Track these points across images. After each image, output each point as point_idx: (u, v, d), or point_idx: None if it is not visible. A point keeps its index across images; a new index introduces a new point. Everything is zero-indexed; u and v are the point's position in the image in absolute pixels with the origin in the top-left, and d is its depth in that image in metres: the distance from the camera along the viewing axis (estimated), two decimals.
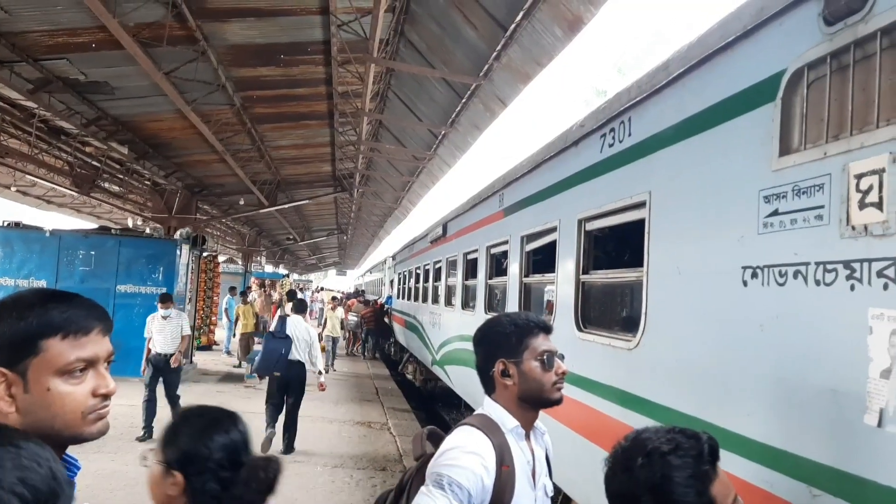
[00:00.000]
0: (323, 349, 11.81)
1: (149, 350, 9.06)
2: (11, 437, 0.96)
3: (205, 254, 16.88)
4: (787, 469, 2.33)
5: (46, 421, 1.25)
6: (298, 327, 8.76)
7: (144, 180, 16.76)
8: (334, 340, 17.25)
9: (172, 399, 8.96)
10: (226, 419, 1.73)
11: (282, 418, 8.51)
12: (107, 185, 16.71)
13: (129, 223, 21.61)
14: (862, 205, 2.06)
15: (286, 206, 20.84)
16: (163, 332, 9.03)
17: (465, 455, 1.80)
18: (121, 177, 15.91)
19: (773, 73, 2.57)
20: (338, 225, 32.58)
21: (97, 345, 1.32)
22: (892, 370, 1.92)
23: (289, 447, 8.38)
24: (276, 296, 29.14)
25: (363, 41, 8.93)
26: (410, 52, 10.83)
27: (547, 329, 2.05)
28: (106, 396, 1.33)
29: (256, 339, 17.31)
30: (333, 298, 20.06)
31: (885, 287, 1.97)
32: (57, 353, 1.26)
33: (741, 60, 2.84)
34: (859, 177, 2.08)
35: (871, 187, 2.03)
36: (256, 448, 1.86)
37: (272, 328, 8.90)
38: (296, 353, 8.54)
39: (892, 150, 1.97)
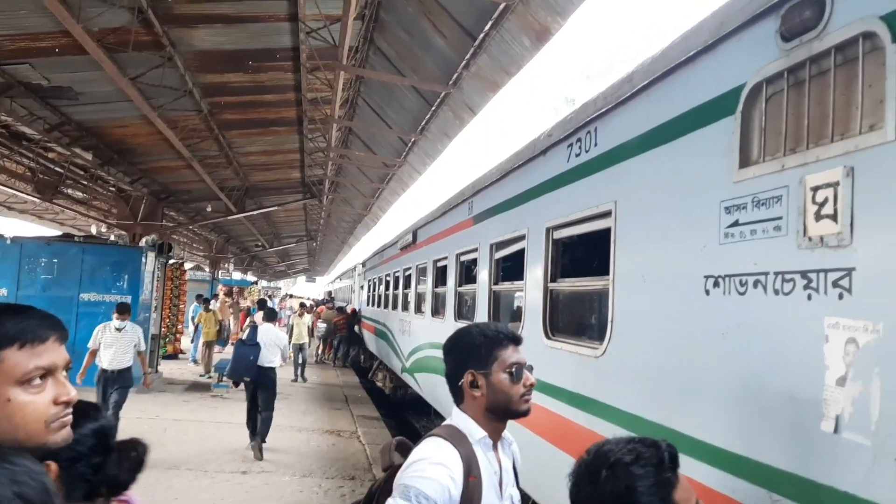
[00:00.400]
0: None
1: (89, 361, 8.22)
2: (4, 454, 1.01)
3: (171, 261, 16.62)
4: (748, 475, 2.37)
5: (9, 432, 1.24)
6: (268, 334, 9.16)
7: (109, 186, 16.46)
8: (300, 347, 16.83)
9: (115, 417, 8.04)
10: (92, 409, 1.82)
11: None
12: (70, 191, 16.39)
13: (93, 230, 21.18)
14: (818, 216, 2.12)
15: (254, 212, 20.65)
16: (114, 345, 8.19)
17: (432, 466, 1.80)
18: (85, 183, 15.61)
19: (733, 86, 2.63)
20: (307, 231, 32.36)
21: (54, 353, 1.33)
22: (847, 378, 1.97)
23: (259, 450, 8.49)
24: (244, 303, 28.90)
25: (332, 48, 8.91)
26: (380, 59, 10.84)
27: (517, 340, 2.06)
28: (67, 404, 1.33)
29: (217, 348, 17.17)
30: (301, 305, 19.90)
31: (840, 297, 2.02)
32: (14, 363, 1.26)
33: (703, 74, 2.90)
34: (815, 189, 2.14)
35: (826, 200, 2.09)
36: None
37: (244, 336, 9.03)
38: (266, 359, 8.88)
39: (846, 163, 2.03)
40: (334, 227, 32.05)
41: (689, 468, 2.70)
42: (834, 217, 2.06)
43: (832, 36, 2.14)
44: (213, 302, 22.30)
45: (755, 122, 2.52)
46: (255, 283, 38.46)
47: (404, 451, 2.01)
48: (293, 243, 36.07)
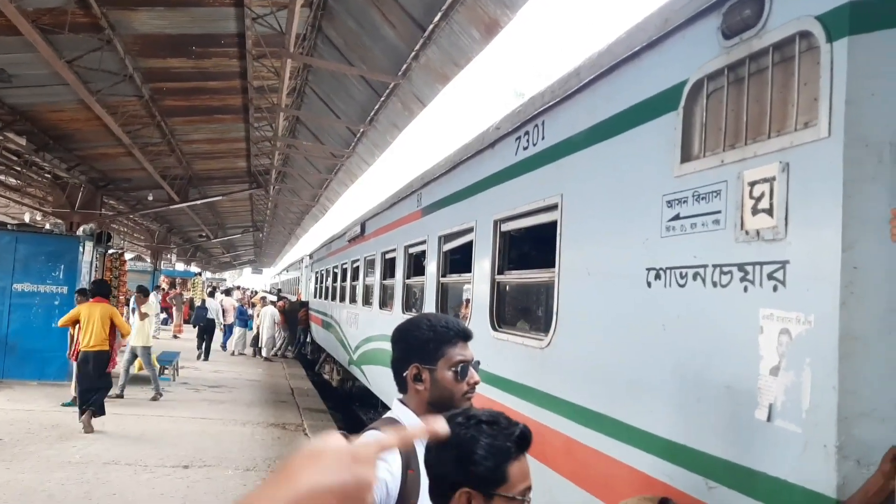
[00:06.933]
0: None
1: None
2: None
3: (110, 251, 16.10)
4: (685, 462, 2.43)
5: None
6: (213, 303, 19.46)
7: (44, 173, 15.84)
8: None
9: None
10: None
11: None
12: (3, 177, 15.71)
13: (27, 218, 20.39)
14: (755, 211, 2.18)
15: (198, 202, 20.21)
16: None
17: None
18: (18, 169, 14.95)
19: (676, 82, 2.67)
20: (253, 222, 31.81)
21: None
22: (780, 368, 2.03)
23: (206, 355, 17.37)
24: (187, 295, 28.28)
25: (279, 35, 8.75)
26: (328, 48, 10.69)
27: (466, 336, 2.04)
28: None
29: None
30: (262, 298, 20.09)
31: (775, 289, 2.08)
32: None
33: (647, 69, 2.94)
34: (752, 184, 2.19)
35: (762, 194, 2.15)
36: None
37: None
38: (211, 315, 19.06)
39: (781, 159, 2.09)
40: (281, 217, 31.59)
41: (631, 456, 2.76)
42: (770, 211, 2.11)
43: (770, 34, 2.19)
44: (153, 294, 21.75)
45: (696, 118, 2.57)
46: (199, 274, 37.70)
47: None
48: (239, 234, 35.42)
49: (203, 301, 20.40)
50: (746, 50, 2.29)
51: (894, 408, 1.75)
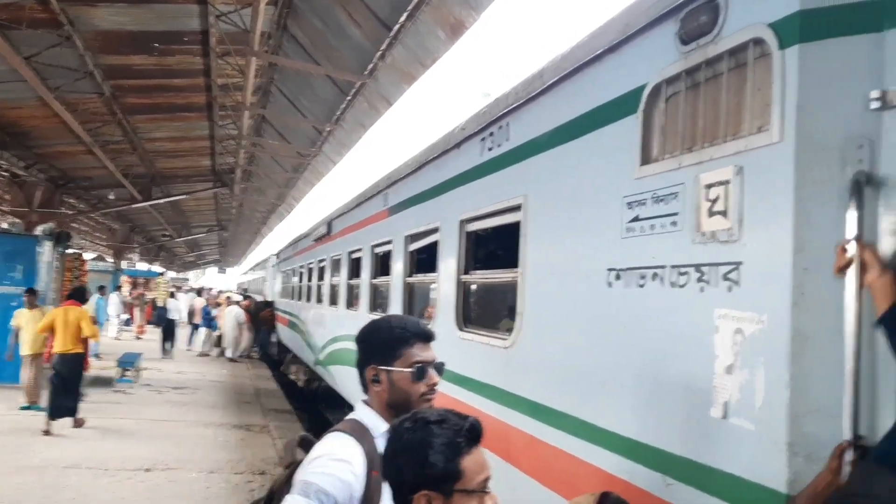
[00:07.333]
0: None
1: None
2: None
3: (69, 250, 15.74)
4: (645, 460, 2.47)
5: None
6: (173, 303, 18.57)
7: (2, 172, 15.43)
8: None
9: None
10: None
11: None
12: None
13: None
14: (710, 213, 2.23)
15: (161, 200, 19.88)
16: None
17: (333, 462, 1.78)
18: None
19: (636, 86, 2.71)
20: (218, 221, 31.39)
21: None
22: (734, 366, 2.08)
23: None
24: (149, 295, 27.79)
25: (243, 33, 8.66)
26: (294, 47, 10.60)
27: (426, 337, 2.03)
28: None
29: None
30: (228, 298, 19.92)
31: (730, 289, 2.13)
32: None
33: (608, 73, 2.98)
34: (709, 186, 2.24)
35: (718, 197, 2.20)
36: None
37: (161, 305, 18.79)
38: (173, 315, 19.37)
39: (736, 163, 2.14)
40: (247, 217, 31.23)
41: (593, 455, 2.80)
42: (725, 213, 2.16)
43: (726, 41, 2.24)
44: (115, 294, 21.39)
45: (656, 121, 2.62)
46: (162, 274, 37.09)
47: (308, 448, 1.97)
48: (203, 233, 34.93)
49: (163, 305, 21.21)
50: (703, 56, 2.34)
51: (842, 405, 1.80)
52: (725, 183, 2.17)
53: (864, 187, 1.83)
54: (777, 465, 1.90)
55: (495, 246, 5.16)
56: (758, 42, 2.11)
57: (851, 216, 1.82)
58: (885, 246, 1.82)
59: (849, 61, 1.94)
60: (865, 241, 1.81)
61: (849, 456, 1.74)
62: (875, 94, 1.84)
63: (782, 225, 1.95)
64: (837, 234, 1.85)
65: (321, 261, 11.53)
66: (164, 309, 19.33)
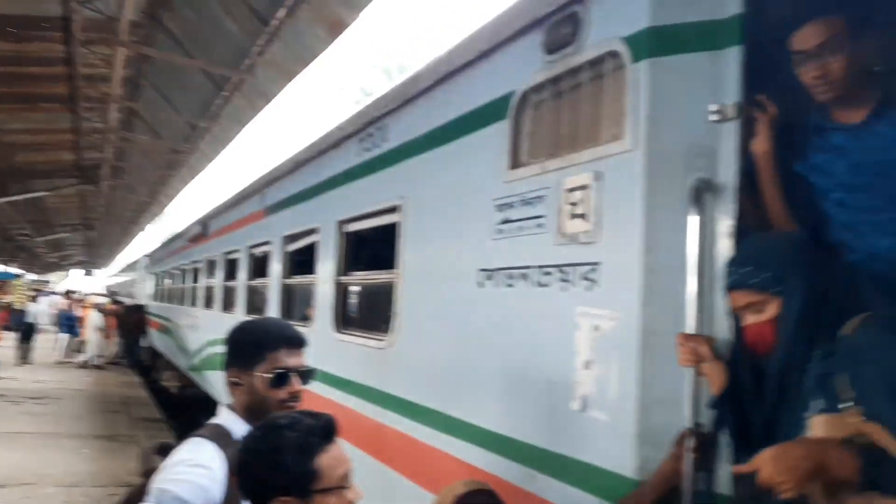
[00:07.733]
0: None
1: None
2: None
3: None
4: (512, 454, 2.56)
5: None
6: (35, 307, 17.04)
7: None
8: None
9: None
10: None
11: None
12: None
13: None
14: (572, 215, 2.34)
15: (18, 197, 18.31)
16: None
17: (190, 469, 1.72)
18: None
19: (505, 92, 2.80)
20: (83, 220, 29.33)
21: None
22: (592, 361, 2.20)
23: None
24: (5, 299, 25.65)
25: (110, 21, 8.14)
26: (166, 38, 10.09)
27: (293, 343, 1.97)
28: None
29: None
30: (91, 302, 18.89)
31: (589, 288, 2.25)
32: None
33: (480, 79, 3.06)
34: (570, 191, 2.36)
35: (579, 201, 2.31)
36: None
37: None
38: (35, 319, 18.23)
39: (594, 168, 2.26)
40: (117, 215, 29.36)
41: (463, 451, 2.86)
42: (584, 216, 2.28)
43: (585, 52, 2.36)
44: None
45: (524, 127, 2.72)
46: (20, 276, 34.30)
47: (167, 455, 1.90)
48: (67, 233, 32.52)
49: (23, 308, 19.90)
50: (565, 66, 2.45)
51: (684, 396, 1.95)
52: (585, 187, 2.28)
53: (703, 193, 1.99)
54: (628, 453, 2.02)
55: (374, 247, 5.15)
56: (613, 55, 2.24)
57: (693, 220, 1.97)
58: (721, 248, 1.99)
59: (692, 76, 2.10)
60: (703, 334, 1.96)
61: (689, 443, 1.88)
62: (714, 107, 2.00)
63: (634, 227, 2.08)
64: (681, 236, 2.00)
65: (195, 262, 11.08)
66: (22, 313, 17.88)
